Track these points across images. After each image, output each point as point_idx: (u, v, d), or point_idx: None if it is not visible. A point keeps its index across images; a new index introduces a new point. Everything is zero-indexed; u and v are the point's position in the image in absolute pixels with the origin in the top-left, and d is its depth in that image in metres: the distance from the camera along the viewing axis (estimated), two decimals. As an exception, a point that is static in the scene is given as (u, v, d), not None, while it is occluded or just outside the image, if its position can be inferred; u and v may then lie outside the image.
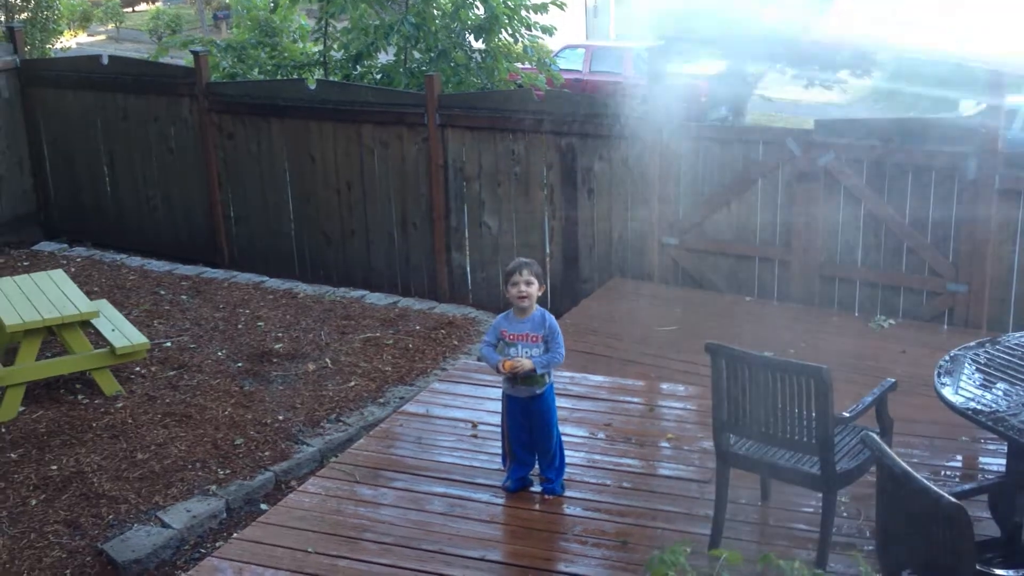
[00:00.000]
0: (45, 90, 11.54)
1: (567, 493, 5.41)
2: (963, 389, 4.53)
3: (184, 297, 9.36)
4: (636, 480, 5.58)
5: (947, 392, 4.50)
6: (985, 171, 7.54)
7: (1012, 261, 7.62)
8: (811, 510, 5.07)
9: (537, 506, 5.32)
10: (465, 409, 6.45)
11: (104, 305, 7.88)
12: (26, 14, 16.32)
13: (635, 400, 6.66)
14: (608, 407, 6.51)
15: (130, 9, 37.77)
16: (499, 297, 9.45)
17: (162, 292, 9.53)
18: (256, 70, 12.44)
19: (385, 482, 5.61)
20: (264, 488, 6.11)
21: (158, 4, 38.84)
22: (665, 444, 5.99)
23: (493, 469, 5.67)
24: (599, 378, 6.99)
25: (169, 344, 8.21)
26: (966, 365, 4.76)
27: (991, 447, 5.73)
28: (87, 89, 11.26)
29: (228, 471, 6.18)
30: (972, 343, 5.04)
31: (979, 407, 4.38)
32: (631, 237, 8.88)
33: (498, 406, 6.03)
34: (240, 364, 7.79)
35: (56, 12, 16.99)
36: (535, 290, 5.34)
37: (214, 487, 6.00)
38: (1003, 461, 4.97)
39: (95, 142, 11.42)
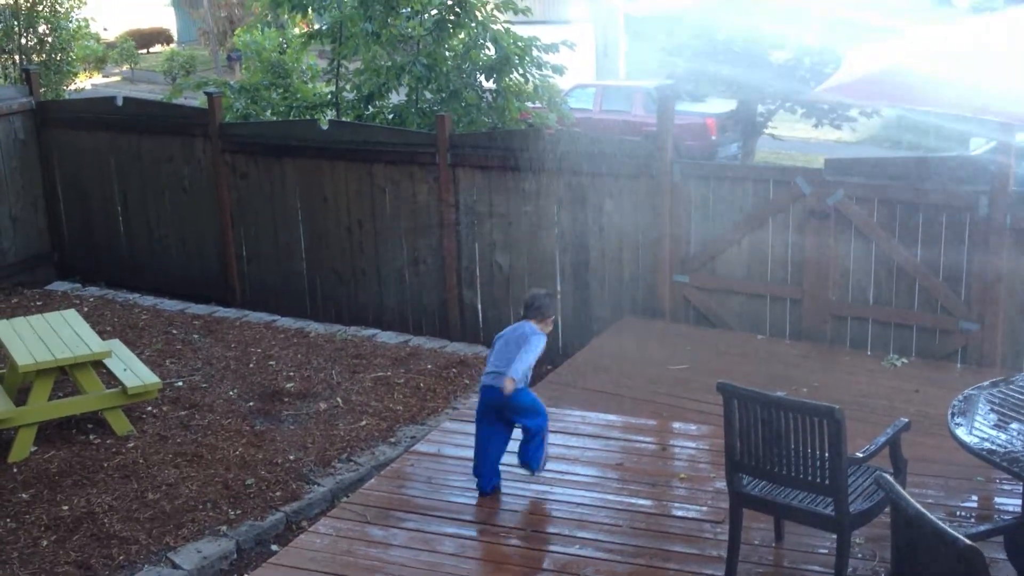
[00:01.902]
0: (60, 131, 11.65)
1: (578, 533, 5.38)
2: (977, 429, 4.50)
3: (196, 336, 9.39)
4: (648, 520, 5.54)
5: (961, 432, 4.47)
6: (997, 209, 7.54)
7: (1024, 300, 7.60)
8: (825, 551, 5.03)
9: (549, 547, 5.29)
10: (476, 449, 6.43)
11: (116, 345, 7.91)
12: (42, 56, 16.51)
13: (647, 439, 6.64)
14: (620, 446, 6.49)
15: (144, 50, 38.19)
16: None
17: (174, 331, 9.56)
18: (269, 111, 12.54)
19: (396, 522, 5.59)
20: (275, 529, 6.09)
21: (172, 46, 39.28)
22: (678, 484, 5.96)
23: (505, 509, 5.65)
24: (611, 417, 6.97)
25: (181, 384, 8.22)
26: (980, 405, 4.74)
27: (1007, 487, 5.68)
28: (101, 130, 11.36)
29: (239, 511, 6.17)
30: (986, 382, 5.02)
31: (994, 447, 4.35)
32: (642, 275, 8.89)
33: (509, 446, 6.04)
34: (251, 403, 7.79)
35: (70, 55, 17.17)
36: None
37: (225, 528, 5.98)
38: (1019, 501, 4.93)
39: (109, 182, 11.50)
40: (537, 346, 5.80)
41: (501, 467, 6.01)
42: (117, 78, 34.90)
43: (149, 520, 6.07)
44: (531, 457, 5.98)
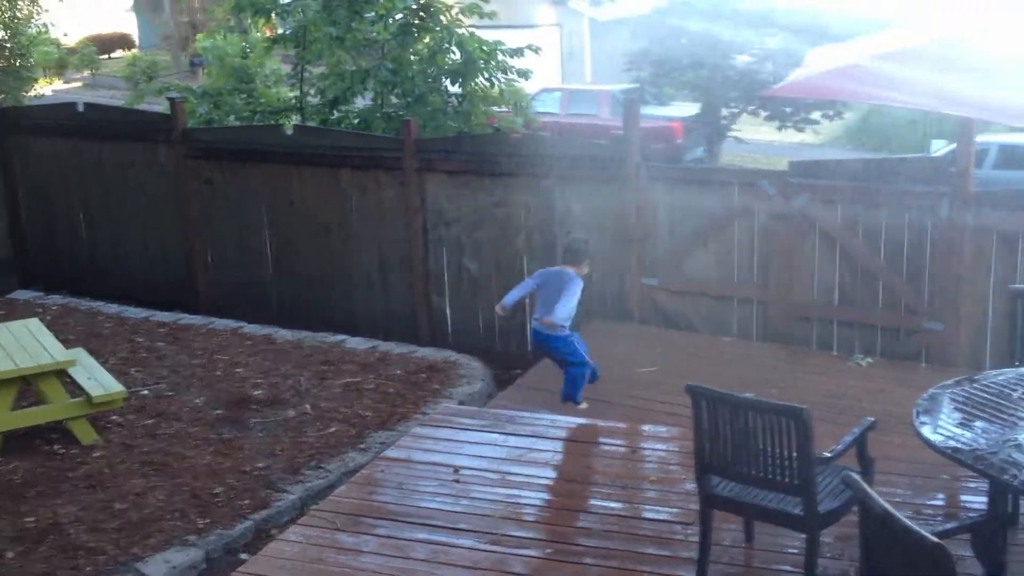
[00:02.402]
0: (21, 137, 11.52)
1: (550, 537, 5.39)
2: (942, 427, 4.55)
3: (161, 344, 9.30)
4: (619, 523, 5.55)
5: (926, 431, 4.52)
6: (958, 210, 7.63)
7: (987, 299, 7.70)
8: (795, 551, 5.06)
9: (521, 551, 5.29)
10: (447, 454, 6.42)
11: (80, 353, 7.82)
12: (1, 62, 16.30)
13: (617, 442, 6.65)
14: (590, 450, 6.50)
15: (106, 56, 37.82)
16: (480, 340, 9.45)
17: (139, 339, 9.47)
18: (232, 116, 12.46)
19: (367, 529, 5.57)
20: (244, 537, 6.04)
21: (134, 51, 38.91)
22: (648, 486, 5.97)
23: (476, 514, 5.64)
24: (580, 420, 6.98)
25: (146, 392, 8.15)
26: (944, 403, 4.79)
27: (972, 485, 5.74)
28: (63, 136, 11.25)
29: (207, 520, 6.11)
30: (950, 381, 5.07)
31: (959, 445, 4.40)
32: (611, 278, 8.91)
33: (479, 450, 6.15)
34: (219, 411, 7.73)
35: (30, 60, 16.97)
36: None
37: (193, 537, 5.93)
38: (984, 499, 4.99)
39: (71, 189, 11.39)
40: (577, 289, 6.96)
41: (471, 471, 6.02)
42: (78, 84, 34.57)
43: (116, 530, 6.00)
44: (568, 395, 7.12)
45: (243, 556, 5.81)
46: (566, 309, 6.94)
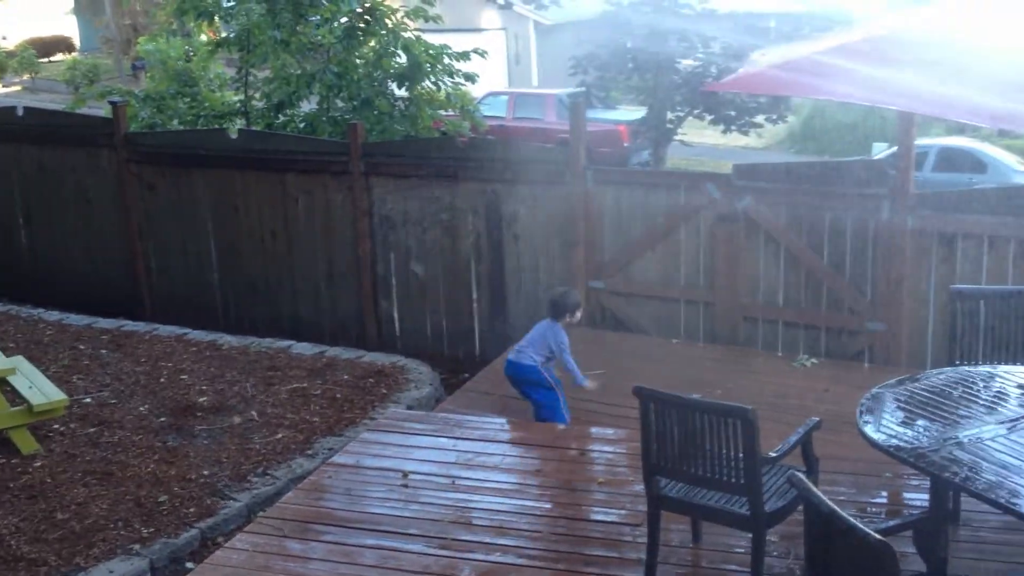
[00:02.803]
0: (-42, 142, 11.29)
1: (499, 541, 5.38)
2: (885, 426, 4.62)
3: (104, 351, 9.16)
4: (568, 526, 5.57)
5: (869, 430, 4.58)
6: (898, 212, 7.76)
7: (928, 299, 7.83)
8: (742, 550, 5.10)
9: (470, 555, 5.28)
10: (395, 459, 6.39)
11: (20, 361, 7.67)
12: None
13: (566, 445, 6.66)
14: (539, 453, 6.51)
15: (46, 59, 37.20)
16: (427, 345, 9.42)
17: (81, 347, 9.31)
18: (176, 120, 12.32)
19: (314, 536, 5.53)
20: (189, 546, 5.96)
21: (75, 54, 38.32)
22: (596, 488, 5.99)
23: (425, 519, 5.62)
24: (529, 423, 6.99)
25: (89, 400, 8.02)
26: (887, 402, 4.86)
27: (914, 483, 5.84)
28: (2, 141, 11.04)
29: (152, 529, 6.03)
30: (892, 381, 5.15)
31: (901, 444, 4.46)
32: (558, 282, 8.93)
33: (428, 455, 6.14)
34: (163, 419, 7.63)
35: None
36: None
37: (137, 546, 5.84)
38: (926, 496, 5.07)
39: (11, 195, 11.18)
40: (557, 339, 7.06)
41: (420, 476, 6.01)
42: (17, 88, 33.98)
43: (58, 541, 5.90)
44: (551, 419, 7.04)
45: (189, 565, 5.74)
46: (539, 353, 7.07)
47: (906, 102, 4.76)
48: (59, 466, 6.84)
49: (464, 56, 11.86)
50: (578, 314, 7.22)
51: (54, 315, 10.29)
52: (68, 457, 6.99)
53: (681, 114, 17.18)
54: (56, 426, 7.45)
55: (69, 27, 40.78)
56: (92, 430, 7.43)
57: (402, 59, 11.68)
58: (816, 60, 4.94)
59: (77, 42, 40.63)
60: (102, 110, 11.32)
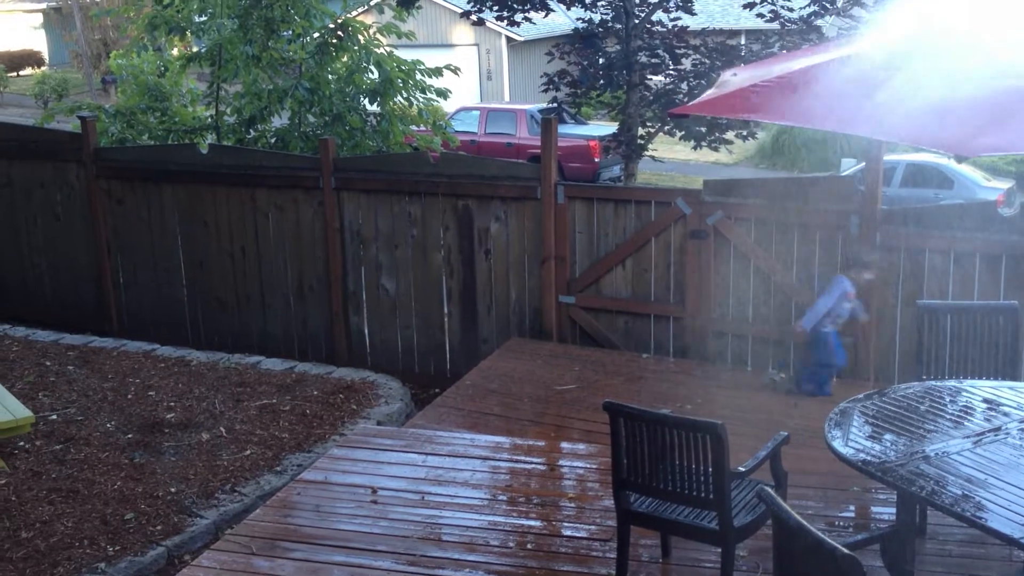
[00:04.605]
0: (-77, 157, 11.17)
1: (468, 557, 5.37)
2: (853, 441, 4.64)
3: (71, 368, 9.07)
4: (538, 541, 5.56)
5: (837, 444, 4.60)
6: (866, 228, 7.82)
7: (895, 315, 7.89)
8: (711, 565, 5.11)
9: (440, 571, 5.26)
10: (364, 475, 6.36)
11: (-15, 378, 7.59)
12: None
13: (535, 460, 6.65)
14: (509, 468, 6.50)
15: (14, 74, 36.94)
16: (398, 360, 9.40)
17: (47, 363, 9.22)
18: (146, 135, 12.24)
19: (283, 553, 5.48)
20: (156, 564, 5.91)
21: (44, 68, 38.08)
22: (566, 503, 5.99)
23: (395, 535, 5.59)
24: (499, 438, 6.97)
25: (55, 417, 7.93)
26: (855, 417, 4.89)
27: (882, 496, 5.87)
28: (-32, 155, 10.94)
29: (118, 547, 5.97)
30: (860, 395, 5.18)
31: (869, 458, 4.49)
32: (529, 297, 8.95)
33: (397, 471, 6.09)
34: (130, 436, 7.56)
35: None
36: None
37: (103, 565, 5.78)
38: (893, 510, 5.09)
39: (-24, 209, 11.07)
40: (835, 291, 7.57)
41: (390, 492, 5.99)
42: (-15, 102, 33.70)
43: (23, 560, 5.82)
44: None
45: (155, 583, 5.68)
46: (812, 313, 7.62)
47: (870, 129, 4.78)
48: (24, 484, 6.76)
49: (436, 72, 11.88)
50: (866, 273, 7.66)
51: (20, 331, 10.18)
52: (33, 475, 6.91)
53: (652, 130, 17.25)
54: (22, 443, 7.36)
55: (38, 41, 40.55)
56: (58, 447, 7.36)
57: (374, 75, 11.68)
58: (783, 82, 4.96)
59: (47, 56, 40.41)
60: (71, 125, 11.24)
